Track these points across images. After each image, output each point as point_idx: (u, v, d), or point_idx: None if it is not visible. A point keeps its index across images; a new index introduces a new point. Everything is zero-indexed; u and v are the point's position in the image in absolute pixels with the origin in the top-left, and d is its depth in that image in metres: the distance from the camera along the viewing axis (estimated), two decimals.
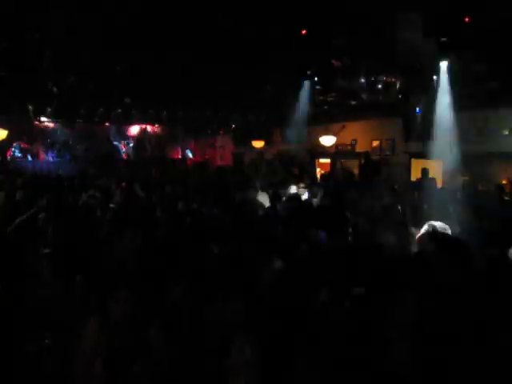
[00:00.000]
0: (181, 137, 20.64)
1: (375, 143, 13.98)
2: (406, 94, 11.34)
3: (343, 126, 14.56)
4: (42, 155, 17.19)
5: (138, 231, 5.22)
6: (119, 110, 12.38)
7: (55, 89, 8.90)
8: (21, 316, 2.38)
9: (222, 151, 20.89)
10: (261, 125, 15.91)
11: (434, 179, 10.50)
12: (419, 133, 11.78)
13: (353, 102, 13.13)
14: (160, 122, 16.39)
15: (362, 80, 11.39)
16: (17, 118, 14.30)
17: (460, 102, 9.95)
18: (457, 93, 9.78)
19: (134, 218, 5.96)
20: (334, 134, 14.33)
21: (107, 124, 17.86)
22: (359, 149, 14.35)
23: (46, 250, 5.39)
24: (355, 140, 14.59)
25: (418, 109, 11.35)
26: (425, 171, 11.00)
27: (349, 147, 14.79)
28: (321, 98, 11.51)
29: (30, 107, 11.89)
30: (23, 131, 16.25)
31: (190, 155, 20.80)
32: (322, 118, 13.98)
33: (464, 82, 9.30)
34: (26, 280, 3.20)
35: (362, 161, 13.49)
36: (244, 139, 17.57)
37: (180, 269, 3.67)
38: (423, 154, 12.23)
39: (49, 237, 5.81)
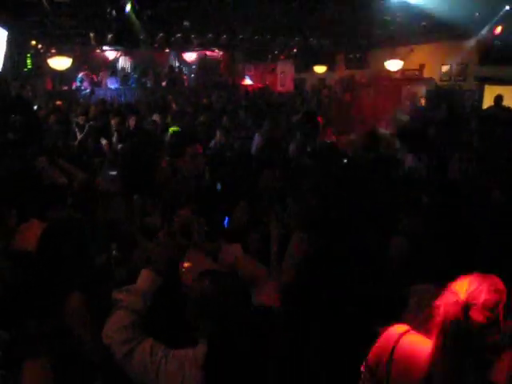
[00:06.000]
0: (240, 62, 20.29)
1: (445, 68, 13.12)
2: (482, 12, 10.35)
3: (411, 50, 13.72)
4: (105, 83, 17.48)
5: None
6: (178, 35, 12.18)
7: (114, 13, 8.80)
8: (90, 229, 2.50)
9: (283, 77, 20.41)
10: (323, 49, 15.28)
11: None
12: (497, 55, 10.88)
13: (422, 23, 12.21)
14: (219, 47, 16.08)
15: None
16: (79, 46, 14.48)
17: None
18: None
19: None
20: (401, 58, 13.55)
21: (167, 50, 17.78)
22: (427, 74, 13.56)
23: (113, 172, 5.61)
24: (423, 65, 13.75)
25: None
26: (497, 98, 10.18)
27: (416, 73, 13.99)
28: (385, 17, 10.72)
29: (92, 34, 11.86)
30: (85, 60, 16.52)
31: (250, 81, 20.49)
32: (387, 41, 13.20)
33: None
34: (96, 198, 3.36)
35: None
36: (305, 64, 17.06)
37: None
38: (500, 80, 11.34)
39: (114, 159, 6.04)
